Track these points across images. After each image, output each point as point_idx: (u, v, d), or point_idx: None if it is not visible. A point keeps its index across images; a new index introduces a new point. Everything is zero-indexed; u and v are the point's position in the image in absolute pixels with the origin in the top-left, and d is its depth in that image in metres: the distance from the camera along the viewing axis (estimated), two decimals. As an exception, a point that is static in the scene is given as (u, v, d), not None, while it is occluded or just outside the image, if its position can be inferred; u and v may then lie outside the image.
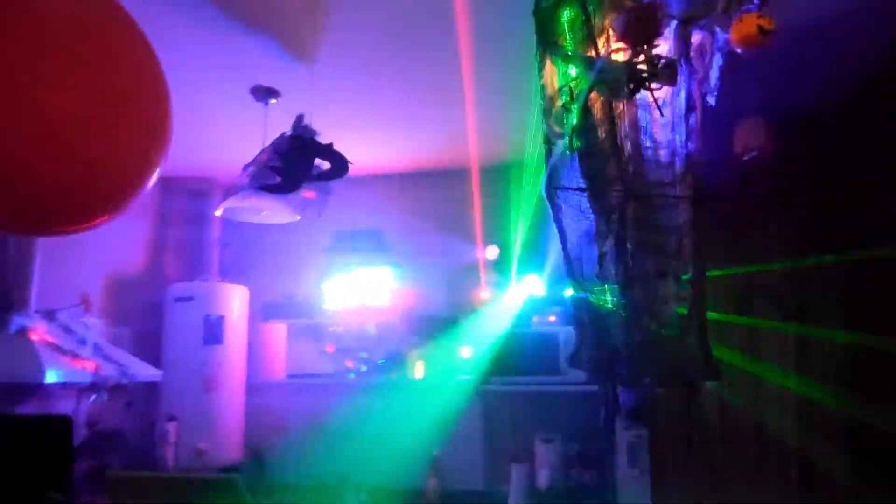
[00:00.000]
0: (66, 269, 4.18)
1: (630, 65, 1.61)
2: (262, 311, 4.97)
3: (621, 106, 1.75)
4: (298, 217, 3.74)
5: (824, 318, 3.41)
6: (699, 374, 1.69)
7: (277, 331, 5.07)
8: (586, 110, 1.66)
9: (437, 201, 4.57)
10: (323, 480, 4.44)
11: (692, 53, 1.86)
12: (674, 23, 1.78)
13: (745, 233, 3.72)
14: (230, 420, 4.59)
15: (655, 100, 1.66)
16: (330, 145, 1.89)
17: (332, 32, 3.11)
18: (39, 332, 3.50)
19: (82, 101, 1.92)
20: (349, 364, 5.06)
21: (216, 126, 4.16)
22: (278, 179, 1.81)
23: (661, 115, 1.67)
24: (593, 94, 1.66)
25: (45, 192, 1.91)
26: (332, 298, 4.88)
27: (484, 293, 4.52)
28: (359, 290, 4.85)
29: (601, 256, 1.67)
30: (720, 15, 1.73)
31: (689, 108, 1.80)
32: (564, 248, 1.71)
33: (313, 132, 3.65)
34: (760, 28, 1.65)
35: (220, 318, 4.59)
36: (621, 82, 1.60)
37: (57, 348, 3.46)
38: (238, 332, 4.71)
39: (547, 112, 1.77)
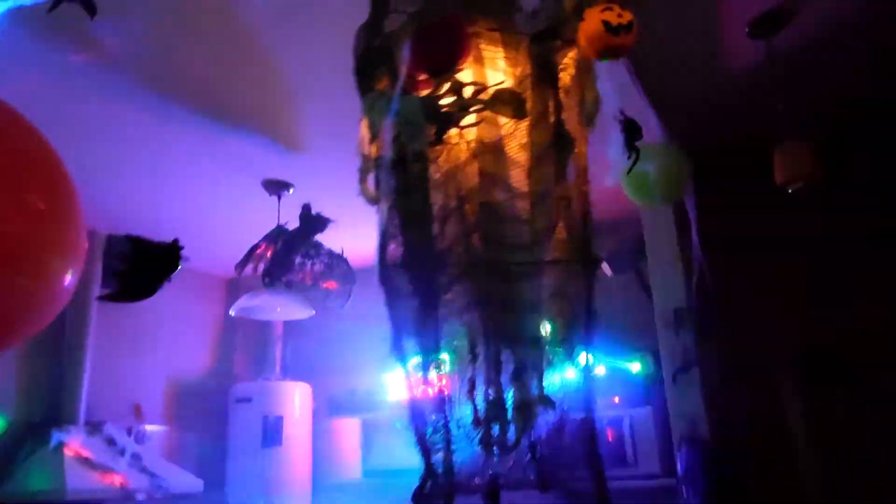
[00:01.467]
0: (128, 377, 4.27)
1: (429, 100, 1.23)
2: (326, 408, 4.78)
3: (466, 152, 1.36)
4: (314, 312, 3.54)
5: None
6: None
7: (348, 427, 4.83)
8: (400, 166, 1.29)
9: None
10: None
11: (569, 75, 1.44)
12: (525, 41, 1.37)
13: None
14: (293, 527, 4.37)
15: (467, 141, 1.25)
16: (174, 242, 1.66)
17: (326, 121, 2.99)
18: (75, 446, 3.53)
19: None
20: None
21: (249, 224, 4.16)
22: (115, 288, 1.60)
23: (477, 159, 1.25)
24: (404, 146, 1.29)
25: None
26: (394, 390, 4.58)
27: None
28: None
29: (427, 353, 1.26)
30: (572, 19, 1.30)
31: (561, 141, 1.36)
32: (398, 343, 1.32)
33: (325, 220, 3.50)
34: (607, 24, 1.20)
35: (279, 419, 4.44)
36: (419, 123, 1.22)
37: (87, 462, 3.45)
38: (300, 431, 4.53)
39: (362, 173, 1.41)
